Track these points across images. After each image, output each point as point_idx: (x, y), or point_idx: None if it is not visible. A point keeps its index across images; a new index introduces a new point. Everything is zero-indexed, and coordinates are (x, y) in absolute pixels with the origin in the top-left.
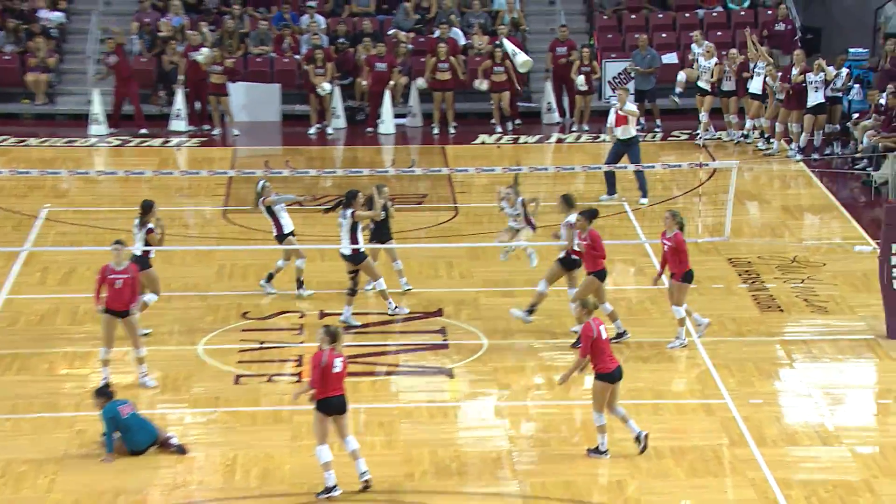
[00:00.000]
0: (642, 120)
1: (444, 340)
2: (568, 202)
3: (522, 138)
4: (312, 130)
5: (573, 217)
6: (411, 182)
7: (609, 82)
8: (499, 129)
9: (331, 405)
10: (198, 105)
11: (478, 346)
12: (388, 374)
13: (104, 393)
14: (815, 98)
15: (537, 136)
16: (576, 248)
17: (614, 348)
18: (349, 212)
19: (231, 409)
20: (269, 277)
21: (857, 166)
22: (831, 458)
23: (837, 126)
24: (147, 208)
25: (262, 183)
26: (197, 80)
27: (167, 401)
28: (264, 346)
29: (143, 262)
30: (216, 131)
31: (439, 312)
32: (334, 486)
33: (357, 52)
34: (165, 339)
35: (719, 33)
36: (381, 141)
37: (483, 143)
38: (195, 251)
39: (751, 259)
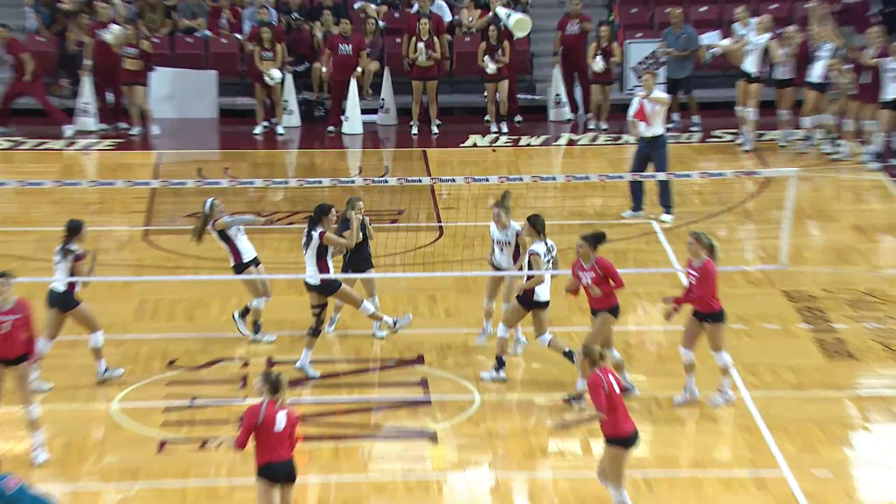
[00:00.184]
0: (675, 116)
1: (426, 395)
2: (536, 226)
3: (524, 139)
4: (258, 129)
5: (539, 246)
6: (383, 195)
7: (633, 69)
8: (494, 127)
9: (277, 472)
10: (110, 97)
11: (468, 403)
12: (356, 437)
13: None
14: (894, 90)
15: (543, 137)
16: (584, 285)
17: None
18: (317, 232)
19: (154, 483)
20: (256, 325)
21: None
22: None
23: None
24: (74, 230)
25: (210, 201)
26: (107, 65)
27: (70, 474)
28: (196, 403)
29: (67, 299)
30: (135, 130)
31: (420, 360)
32: None
33: (314, 30)
34: (70, 394)
35: (774, 6)
36: (345, 143)
37: (474, 145)
38: (108, 283)
39: (814, 293)
